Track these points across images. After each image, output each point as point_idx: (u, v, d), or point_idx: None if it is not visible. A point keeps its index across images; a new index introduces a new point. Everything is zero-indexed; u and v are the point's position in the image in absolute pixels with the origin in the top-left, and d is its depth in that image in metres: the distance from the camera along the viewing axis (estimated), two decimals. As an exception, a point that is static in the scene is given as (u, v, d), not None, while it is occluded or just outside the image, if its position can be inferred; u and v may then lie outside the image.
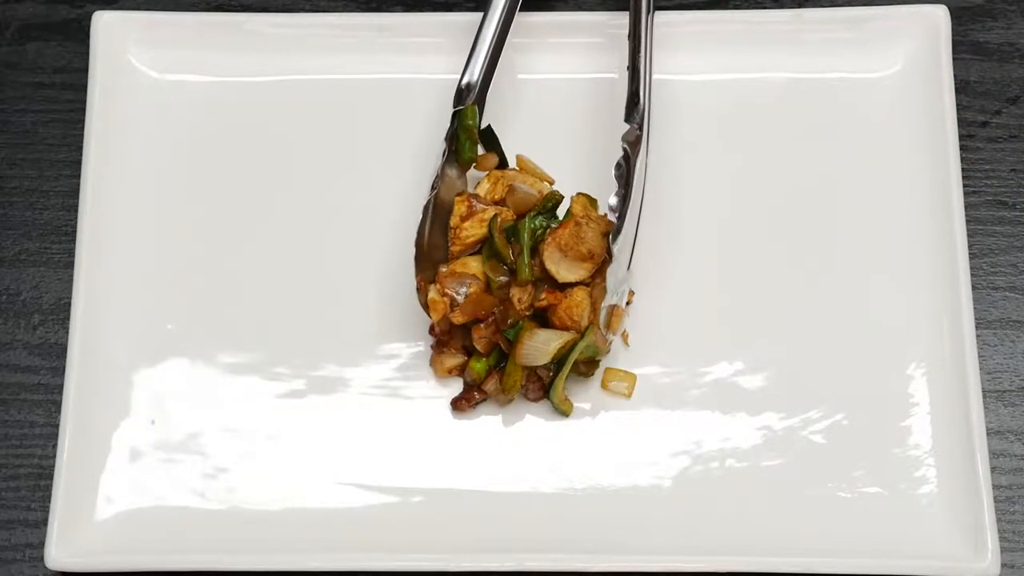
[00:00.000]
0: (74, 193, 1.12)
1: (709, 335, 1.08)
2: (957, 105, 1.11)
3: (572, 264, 1.05)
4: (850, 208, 1.10)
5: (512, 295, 1.05)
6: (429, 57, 1.13)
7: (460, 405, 1.06)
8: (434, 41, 1.13)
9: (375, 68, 1.13)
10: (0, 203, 1.13)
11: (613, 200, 1.06)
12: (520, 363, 1.04)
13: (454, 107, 1.09)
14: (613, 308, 1.05)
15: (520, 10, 1.11)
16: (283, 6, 1.18)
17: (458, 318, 1.04)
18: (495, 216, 1.06)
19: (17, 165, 1.14)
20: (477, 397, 1.06)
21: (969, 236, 1.09)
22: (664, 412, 1.06)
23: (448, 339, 1.06)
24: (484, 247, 1.07)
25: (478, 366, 1.05)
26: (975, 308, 1.08)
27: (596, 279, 1.06)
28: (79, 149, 1.11)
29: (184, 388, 1.07)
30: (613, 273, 1.04)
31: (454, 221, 1.07)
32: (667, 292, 1.09)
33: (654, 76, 1.11)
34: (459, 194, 1.08)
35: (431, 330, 1.06)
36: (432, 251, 1.07)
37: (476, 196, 1.08)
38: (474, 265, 1.06)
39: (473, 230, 1.07)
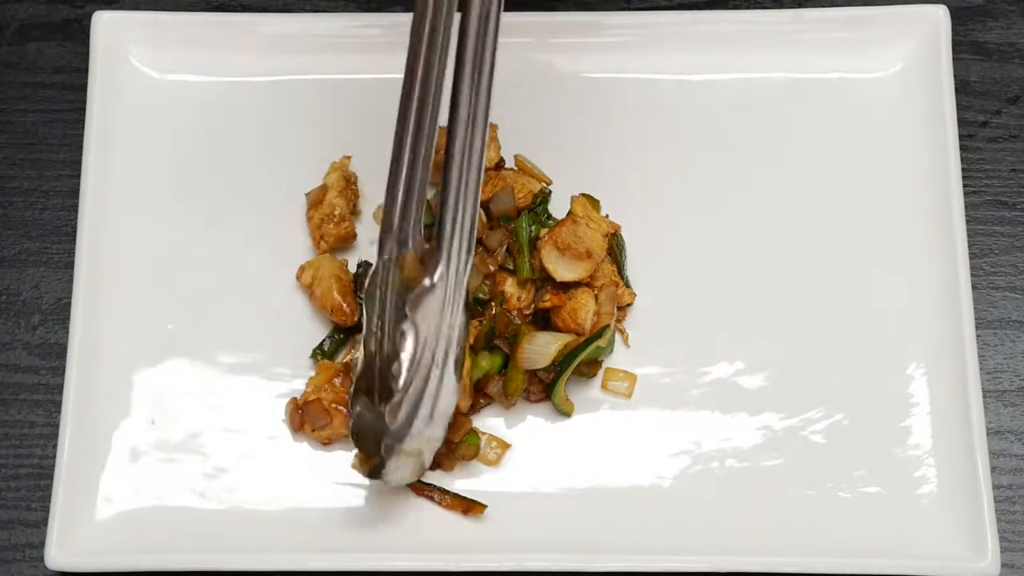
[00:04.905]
0: (74, 193, 1.12)
1: (709, 335, 1.08)
2: (957, 105, 1.11)
3: (570, 263, 1.05)
4: (850, 208, 1.10)
5: (511, 294, 1.05)
6: (429, 57, 1.13)
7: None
8: (434, 41, 1.13)
9: (375, 68, 1.13)
10: (0, 203, 1.13)
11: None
12: (520, 367, 1.04)
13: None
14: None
15: (521, 10, 1.11)
16: (283, 6, 1.18)
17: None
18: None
19: (17, 165, 1.14)
20: (482, 403, 1.06)
21: (969, 236, 1.09)
22: (664, 412, 1.06)
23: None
24: None
25: (486, 366, 1.05)
26: (975, 308, 1.08)
27: (603, 283, 1.06)
28: (79, 149, 1.10)
29: (184, 388, 1.07)
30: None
31: None
32: (667, 292, 1.09)
33: (653, 76, 1.12)
34: None
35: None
36: None
37: None
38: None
39: None
